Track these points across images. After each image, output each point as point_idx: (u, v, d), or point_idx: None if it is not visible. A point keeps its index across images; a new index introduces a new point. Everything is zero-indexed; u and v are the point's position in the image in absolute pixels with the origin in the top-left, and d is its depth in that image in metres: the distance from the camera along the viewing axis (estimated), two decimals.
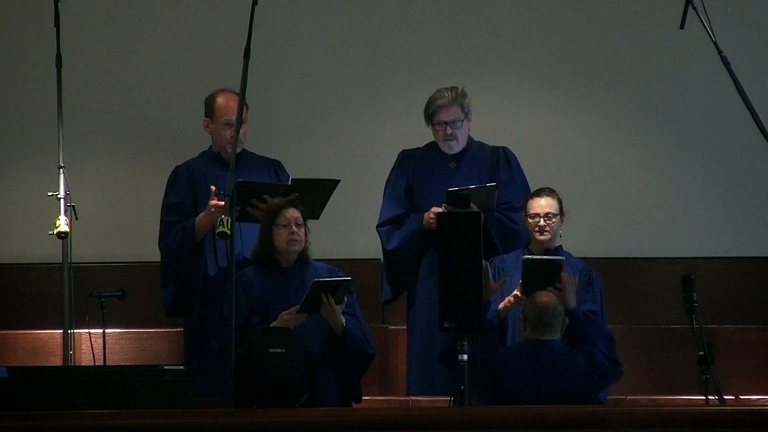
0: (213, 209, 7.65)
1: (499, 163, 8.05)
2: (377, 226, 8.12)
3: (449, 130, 7.96)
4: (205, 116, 8.05)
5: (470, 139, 8.08)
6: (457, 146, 8.02)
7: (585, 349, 7.17)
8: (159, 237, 7.99)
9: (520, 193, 7.91)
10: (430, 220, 7.74)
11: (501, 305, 7.47)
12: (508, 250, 7.82)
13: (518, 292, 7.38)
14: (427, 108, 8.00)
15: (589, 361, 7.13)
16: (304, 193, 7.67)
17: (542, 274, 7.30)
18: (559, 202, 7.64)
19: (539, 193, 7.65)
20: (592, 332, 7.30)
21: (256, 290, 7.35)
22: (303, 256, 7.45)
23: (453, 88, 7.98)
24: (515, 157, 8.08)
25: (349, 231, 8.24)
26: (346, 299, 7.24)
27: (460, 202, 7.60)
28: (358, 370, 7.39)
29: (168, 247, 7.93)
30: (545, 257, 7.39)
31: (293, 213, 7.38)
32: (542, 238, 7.62)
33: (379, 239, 8.24)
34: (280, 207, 7.42)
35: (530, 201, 7.66)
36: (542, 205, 7.61)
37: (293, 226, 7.36)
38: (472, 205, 7.64)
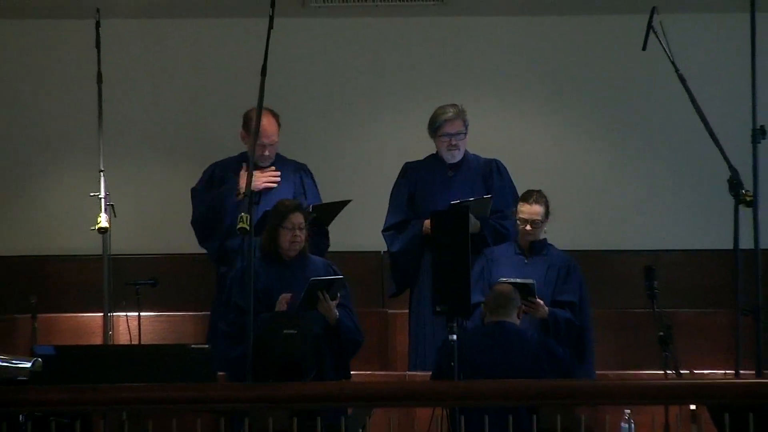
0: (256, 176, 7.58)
1: (492, 173, 8.04)
2: (382, 231, 8.12)
3: (453, 141, 7.97)
4: (242, 128, 8.04)
5: (465, 152, 8.07)
6: (458, 155, 8.02)
7: (548, 342, 7.18)
8: (192, 203, 8.03)
9: (509, 202, 7.89)
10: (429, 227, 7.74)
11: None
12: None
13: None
14: (432, 122, 7.99)
15: (545, 344, 7.11)
16: (322, 213, 7.77)
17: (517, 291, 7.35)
18: (546, 205, 7.63)
19: (528, 198, 7.64)
20: (564, 336, 7.38)
21: (262, 281, 7.36)
22: (302, 252, 7.46)
23: (454, 105, 7.99)
24: (506, 169, 8.10)
25: (353, 227, 8.20)
26: (339, 295, 7.24)
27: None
28: (348, 355, 7.42)
29: (211, 202, 7.96)
30: (519, 281, 7.36)
31: (297, 218, 7.41)
32: (528, 237, 7.65)
33: (379, 237, 8.25)
34: (288, 211, 7.42)
35: (520, 204, 7.66)
36: (530, 211, 7.62)
37: (296, 231, 7.38)
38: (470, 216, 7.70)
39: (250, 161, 7.16)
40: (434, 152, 8.10)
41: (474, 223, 7.72)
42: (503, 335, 6.94)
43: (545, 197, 7.66)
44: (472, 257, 7.66)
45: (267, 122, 7.76)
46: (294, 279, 7.35)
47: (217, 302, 7.91)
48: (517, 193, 7.93)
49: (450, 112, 7.97)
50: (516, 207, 7.68)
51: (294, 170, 8.10)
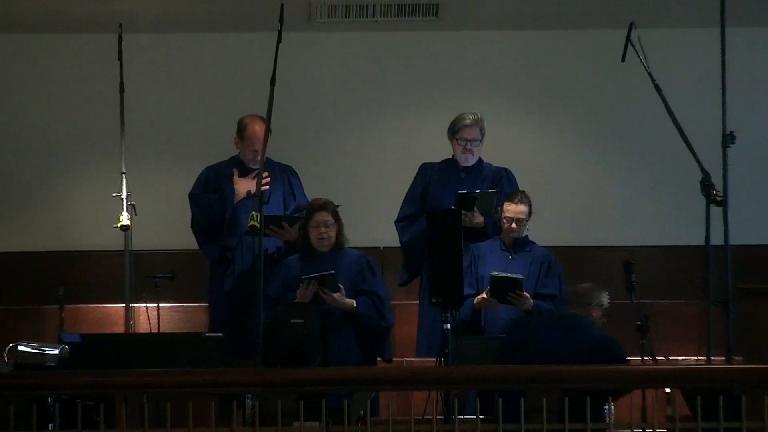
0: (240, 182, 7.76)
1: (501, 180, 7.98)
2: (395, 221, 8.09)
3: (469, 146, 7.91)
4: (236, 134, 7.97)
5: (480, 158, 8.03)
6: (472, 160, 7.96)
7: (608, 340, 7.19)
8: (192, 210, 7.98)
9: None
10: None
11: (475, 300, 7.53)
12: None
13: (485, 295, 7.47)
14: (453, 125, 7.94)
15: (605, 341, 7.10)
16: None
17: (505, 285, 7.37)
18: (529, 205, 7.62)
19: (513, 198, 7.63)
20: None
21: (294, 272, 7.39)
22: (338, 245, 7.45)
23: (474, 113, 7.93)
24: (515, 178, 8.04)
25: (355, 225, 8.17)
26: (342, 287, 7.25)
27: (466, 202, 7.61)
28: (374, 339, 7.40)
29: (208, 212, 7.90)
30: (508, 275, 7.40)
31: (323, 216, 7.41)
32: (512, 235, 7.64)
33: (378, 234, 8.26)
34: (314, 210, 7.44)
35: (506, 204, 7.64)
36: (515, 210, 7.60)
37: (322, 228, 7.38)
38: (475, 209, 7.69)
39: (260, 165, 7.17)
40: (450, 156, 8.05)
41: (478, 217, 7.74)
42: (572, 326, 6.94)
43: (529, 198, 7.65)
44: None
45: (259, 129, 7.64)
46: (323, 270, 7.29)
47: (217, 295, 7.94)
48: None
49: (469, 119, 7.91)
50: (502, 206, 7.68)
51: (281, 172, 8.00)
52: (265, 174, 7.53)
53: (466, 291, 7.35)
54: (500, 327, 7.38)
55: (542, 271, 7.60)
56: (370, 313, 7.34)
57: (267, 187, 7.58)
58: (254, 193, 6.85)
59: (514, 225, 7.60)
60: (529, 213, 7.63)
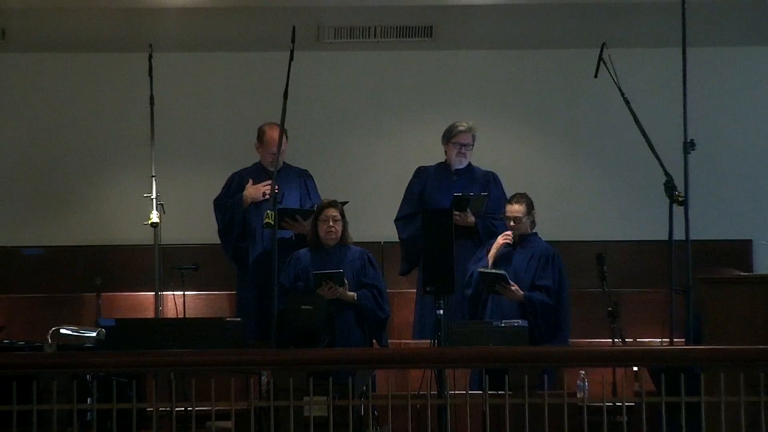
0: (249, 189, 7.81)
1: (489, 183, 8.00)
2: (395, 220, 8.10)
3: (463, 150, 7.95)
4: (257, 140, 8.03)
5: (469, 162, 8.05)
6: (464, 162, 7.99)
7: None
8: (215, 215, 8.02)
9: (501, 207, 7.82)
10: None
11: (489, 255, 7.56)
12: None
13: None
14: (449, 131, 7.98)
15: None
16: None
17: (492, 279, 7.38)
18: (526, 204, 7.61)
19: (511, 200, 7.66)
20: (539, 314, 7.38)
21: (303, 263, 7.42)
22: (343, 240, 7.46)
23: (468, 123, 7.98)
24: (500, 181, 8.06)
25: (358, 222, 8.14)
26: (347, 282, 7.27)
27: (460, 204, 7.61)
28: (373, 328, 7.42)
29: (221, 218, 7.96)
30: (492, 271, 7.42)
31: (332, 212, 7.43)
32: (514, 231, 7.62)
33: (379, 230, 8.26)
34: (324, 207, 7.45)
35: (507, 205, 7.66)
36: (512, 210, 7.62)
37: (330, 222, 7.38)
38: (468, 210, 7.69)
39: (274, 167, 7.21)
40: (443, 160, 8.07)
41: (470, 217, 7.76)
42: None
43: (525, 197, 7.63)
44: (475, 245, 7.76)
45: (276, 134, 7.60)
46: (330, 262, 7.38)
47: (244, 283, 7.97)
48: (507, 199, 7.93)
49: (464, 126, 7.96)
50: (505, 207, 7.69)
51: (298, 175, 8.07)
52: (268, 183, 7.54)
53: (474, 270, 7.45)
54: (501, 314, 7.38)
55: (540, 265, 7.56)
56: (370, 305, 7.38)
57: (276, 189, 7.62)
58: (270, 194, 6.88)
59: (512, 223, 7.61)
60: (527, 211, 7.61)
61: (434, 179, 8.04)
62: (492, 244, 7.61)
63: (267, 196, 7.58)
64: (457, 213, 7.45)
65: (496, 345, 6.60)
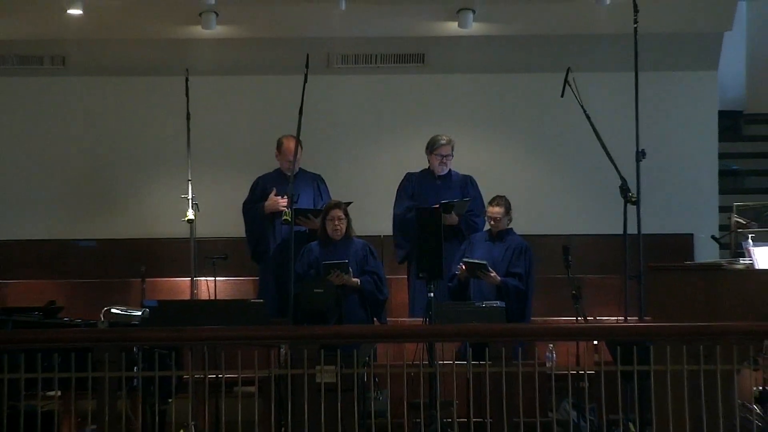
0: (270, 200, 7.84)
1: (467, 185, 8.05)
2: (394, 211, 8.12)
3: (444, 160, 7.99)
4: (276, 149, 8.06)
5: (450, 169, 8.07)
6: (445, 170, 8.02)
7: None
8: (244, 218, 8.03)
9: (479, 205, 7.92)
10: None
11: (458, 272, 7.53)
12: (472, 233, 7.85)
13: (463, 267, 7.48)
14: (431, 144, 8.01)
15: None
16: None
17: (475, 267, 7.39)
18: (504, 206, 7.67)
19: (492, 202, 7.72)
20: (512, 296, 7.39)
21: (314, 254, 7.44)
22: (347, 235, 7.47)
23: (447, 136, 8.00)
24: (476, 183, 8.11)
25: (361, 218, 8.13)
26: (351, 270, 7.28)
27: (447, 208, 7.63)
28: (374, 308, 7.42)
29: (247, 221, 7.99)
30: (475, 260, 7.43)
31: (337, 212, 7.47)
32: (493, 229, 7.70)
33: (378, 224, 8.24)
34: (330, 207, 7.49)
35: (488, 206, 7.73)
36: (492, 211, 7.69)
37: (336, 221, 7.40)
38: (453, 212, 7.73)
39: (291, 173, 7.22)
40: (427, 167, 8.09)
41: (454, 218, 7.78)
42: None
43: (504, 199, 7.70)
44: (458, 240, 7.76)
45: (292, 145, 7.69)
46: (336, 253, 7.41)
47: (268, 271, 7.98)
48: (483, 200, 7.95)
49: (444, 140, 7.99)
50: (486, 208, 7.73)
51: (312, 179, 8.10)
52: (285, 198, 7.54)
53: (456, 264, 7.44)
54: (481, 296, 7.39)
55: (515, 255, 7.62)
56: (372, 288, 7.39)
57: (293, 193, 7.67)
58: (288, 193, 6.96)
59: (492, 222, 7.66)
60: (506, 212, 7.66)
61: (421, 183, 8.07)
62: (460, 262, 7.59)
63: (284, 208, 7.58)
64: (444, 215, 7.46)
65: (478, 322, 6.62)
